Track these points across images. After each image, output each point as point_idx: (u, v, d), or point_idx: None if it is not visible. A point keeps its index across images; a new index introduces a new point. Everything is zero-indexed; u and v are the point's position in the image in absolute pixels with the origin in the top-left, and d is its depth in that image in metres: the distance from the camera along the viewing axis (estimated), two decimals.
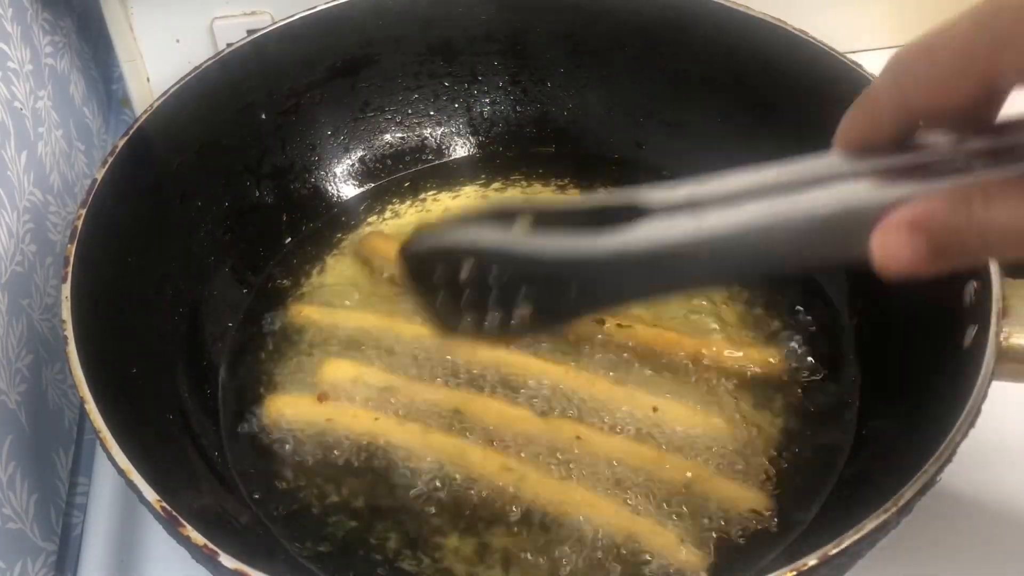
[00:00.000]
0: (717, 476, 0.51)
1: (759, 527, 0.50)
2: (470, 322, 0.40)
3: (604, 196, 0.37)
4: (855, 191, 0.32)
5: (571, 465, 0.52)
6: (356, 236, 0.67)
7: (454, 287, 0.39)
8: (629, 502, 0.50)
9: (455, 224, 0.39)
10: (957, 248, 0.30)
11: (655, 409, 0.54)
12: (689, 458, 0.52)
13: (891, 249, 0.30)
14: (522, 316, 0.38)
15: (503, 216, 0.38)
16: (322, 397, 0.56)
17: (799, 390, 0.56)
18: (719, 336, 0.58)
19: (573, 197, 0.36)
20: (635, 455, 0.52)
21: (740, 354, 0.57)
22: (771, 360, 0.56)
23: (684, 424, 0.53)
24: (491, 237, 0.37)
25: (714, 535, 0.49)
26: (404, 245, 0.42)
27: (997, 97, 0.30)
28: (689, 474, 0.51)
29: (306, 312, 0.61)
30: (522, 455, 0.52)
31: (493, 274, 0.38)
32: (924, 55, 0.30)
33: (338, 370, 0.57)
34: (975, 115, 0.31)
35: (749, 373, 0.56)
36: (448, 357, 0.57)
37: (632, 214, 0.34)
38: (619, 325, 0.58)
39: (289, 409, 0.55)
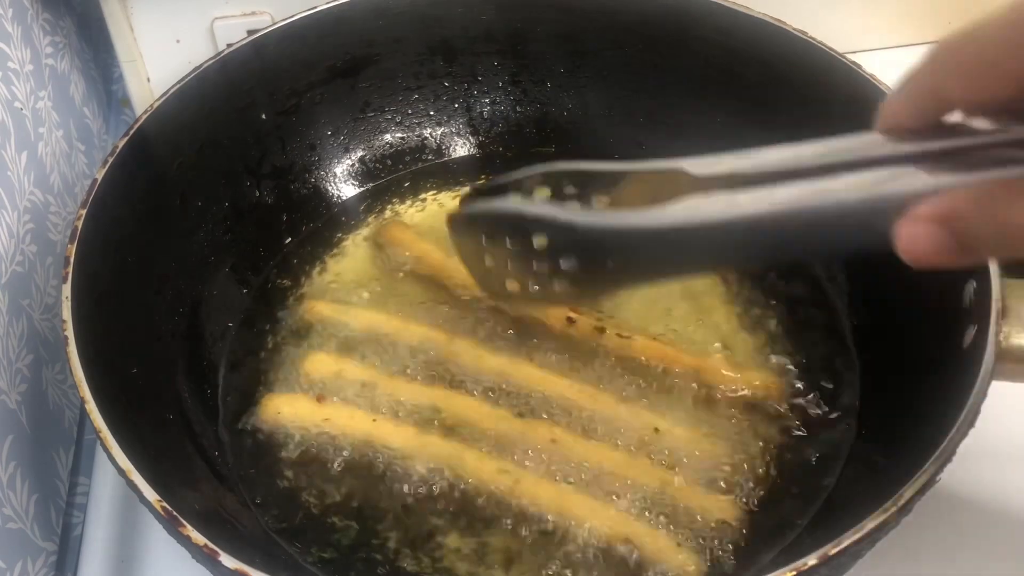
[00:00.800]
0: (690, 484, 0.51)
1: (751, 532, 0.50)
2: (515, 287, 0.42)
3: (653, 163, 0.38)
4: (887, 178, 0.32)
5: (555, 468, 0.52)
6: (356, 236, 0.67)
7: (501, 252, 0.41)
8: (620, 506, 0.50)
9: (506, 186, 0.41)
10: (979, 244, 0.30)
11: (656, 430, 0.53)
12: (669, 466, 0.52)
13: (916, 240, 0.31)
14: (563, 283, 0.40)
15: (550, 179, 0.40)
16: (320, 397, 0.56)
17: (799, 391, 0.56)
18: (717, 347, 0.58)
19: (623, 163, 0.40)
20: (610, 460, 0.52)
21: (739, 376, 0.56)
22: (771, 384, 0.56)
23: (683, 442, 0.53)
24: (537, 206, 0.39)
25: (704, 540, 0.49)
26: (454, 211, 0.44)
27: None
28: (663, 480, 0.51)
29: (319, 308, 0.61)
30: (515, 458, 0.52)
31: (538, 241, 0.39)
32: (960, 49, 0.31)
33: (320, 364, 0.57)
34: (1016, 107, 0.31)
35: (748, 390, 0.56)
36: (445, 358, 0.57)
37: (676, 182, 0.36)
38: (619, 335, 0.57)
39: (286, 408, 0.55)
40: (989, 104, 0.31)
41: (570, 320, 0.58)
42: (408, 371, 0.57)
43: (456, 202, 0.68)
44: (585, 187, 0.40)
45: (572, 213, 0.38)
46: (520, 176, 0.41)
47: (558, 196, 0.40)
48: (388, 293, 0.62)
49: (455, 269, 0.61)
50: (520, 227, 0.39)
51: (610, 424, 0.54)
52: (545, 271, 0.40)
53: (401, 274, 0.63)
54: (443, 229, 0.65)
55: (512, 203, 0.40)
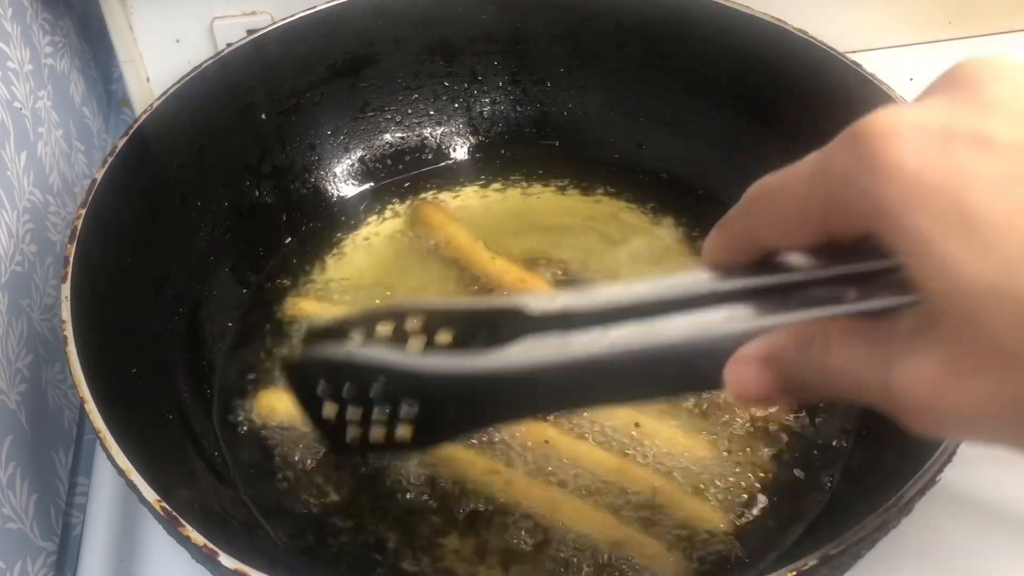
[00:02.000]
0: (681, 492, 0.51)
1: (750, 534, 0.50)
2: (356, 435, 0.40)
3: (490, 300, 0.39)
4: (714, 318, 0.32)
5: (548, 469, 0.52)
6: (356, 236, 0.67)
7: (338, 400, 0.39)
8: (610, 510, 0.50)
9: (343, 327, 0.40)
10: (802, 384, 0.30)
11: (636, 425, 0.53)
12: (659, 472, 0.52)
13: (742, 380, 0.31)
14: (404, 431, 0.39)
15: (393, 316, 0.39)
16: None
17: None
18: None
19: (461, 300, 0.42)
20: (600, 463, 0.52)
21: None
22: None
23: (680, 442, 0.53)
24: (371, 353, 0.38)
25: (701, 541, 0.49)
26: (287, 360, 0.42)
27: (841, 239, 0.30)
28: (657, 482, 0.51)
29: (302, 305, 0.61)
30: (509, 458, 0.52)
31: (374, 389, 0.38)
32: (768, 195, 0.31)
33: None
34: (829, 249, 0.30)
35: None
36: None
37: (514, 321, 0.35)
38: None
39: (281, 404, 0.55)
40: (803, 248, 0.31)
41: None
42: None
43: (456, 202, 0.69)
44: (428, 324, 0.39)
45: (407, 359, 0.37)
46: (362, 315, 0.40)
47: (399, 334, 0.39)
48: (399, 283, 0.62)
49: (478, 255, 0.62)
50: (356, 374, 0.38)
51: (603, 425, 0.53)
52: (385, 418, 0.39)
53: (425, 256, 0.64)
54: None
55: (345, 351, 0.39)
